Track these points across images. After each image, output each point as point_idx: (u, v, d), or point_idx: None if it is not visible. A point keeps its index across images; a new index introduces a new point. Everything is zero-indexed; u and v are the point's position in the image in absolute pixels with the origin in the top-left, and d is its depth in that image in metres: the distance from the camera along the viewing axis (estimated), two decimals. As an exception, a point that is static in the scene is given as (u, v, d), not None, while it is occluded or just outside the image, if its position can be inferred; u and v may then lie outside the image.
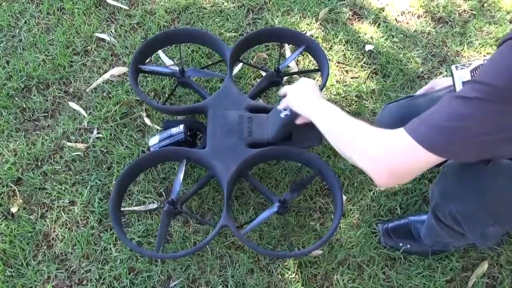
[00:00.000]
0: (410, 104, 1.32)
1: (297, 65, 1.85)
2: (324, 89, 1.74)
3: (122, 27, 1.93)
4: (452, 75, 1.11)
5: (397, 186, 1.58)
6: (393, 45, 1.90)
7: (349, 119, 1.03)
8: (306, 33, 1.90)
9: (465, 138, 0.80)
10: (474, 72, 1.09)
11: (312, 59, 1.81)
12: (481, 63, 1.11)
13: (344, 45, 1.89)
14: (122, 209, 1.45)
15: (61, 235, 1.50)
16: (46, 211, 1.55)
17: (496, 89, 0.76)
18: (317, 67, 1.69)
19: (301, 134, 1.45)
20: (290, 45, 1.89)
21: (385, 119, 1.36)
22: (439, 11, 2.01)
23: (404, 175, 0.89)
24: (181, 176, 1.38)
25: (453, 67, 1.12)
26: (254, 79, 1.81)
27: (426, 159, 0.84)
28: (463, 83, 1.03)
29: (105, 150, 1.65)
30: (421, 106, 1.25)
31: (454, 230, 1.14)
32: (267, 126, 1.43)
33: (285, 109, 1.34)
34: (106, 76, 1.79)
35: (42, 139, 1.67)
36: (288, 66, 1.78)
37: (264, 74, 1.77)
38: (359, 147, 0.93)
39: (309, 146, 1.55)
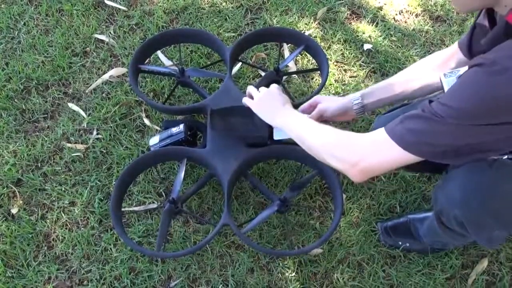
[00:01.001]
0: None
1: (296, 64, 1.85)
2: (323, 88, 1.74)
3: (121, 28, 1.93)
4: (441, 82, 1.14)
5: (396, 185, 1.59)
6: (392, 44, 1.91)
7: (318, 127, 1.11)
8: (304, 32, 1.90)
9: (431, 141, 0.91)
10: None
11: (311, 58, 1.82)
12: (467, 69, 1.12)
13: (342, 44, 1.90)
14: (122, 209, 1.45)
15: (62, 236, 1.50)
16: (46, 212, 1.55)
17: (453, 110, 0.87)
18: (316, 67, 1.70)
19: None
20: (289, 45, 1.89)
21: None
22: (437, 10, 2.01)
23: (380, 167, 0.99)
24: (181, 175, 1.38)
25: (441, 74, 1.15)
26: (253, 79, 1.81)
27: (400, 156, 0.95)
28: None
29: (104, 151, 1.65)
30: None
31: (456, 232, 1.14)
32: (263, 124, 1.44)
33: None
34: (105, 77, 1.80)
35: (42, 140, 1.67)
36: (287, 66, 1.79)
37: (263, 73, 1.77)
38: (336, 153, 1.04)
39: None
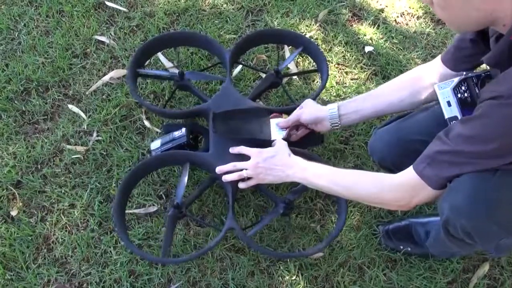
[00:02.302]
0: (401, 127, 1.32)
1: (297, 66, 1.85)
2: (324, 90, 1.74)
3: (122, 30, 1.92)
4: (436, 94, 1.15)
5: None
6: (393, 46, 1.90)
7: (346, 177, 1.18)
8: (305, 34, 1.90)
9: (460, 174, 1.00)
10: (457, 89, 1.13)
11: (313, 61, 1.81)
12: (462, 78, 1.13)
13: (343, 46, 1.89)
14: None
15: (61, 238, 1.50)
16: (46, 214, 1.54)
17: (481, 149, 0.94)
18: (316, 69, 1.69)
19: (302, 136, 1.45)
20: (290, 47, 1.88)
21: (377, 145, 1.37)
22: (438, 12, 2.01)
23: (423, 203, 1.09)
24: (185, 180, 1.37)
25: (436, 86, 1.16)
26: (254, 81, 1.81)
27: (436, 193, 1.04)
28: (449, 119, 1.13)
29: (104, 153, 1.64)
30: (410, 129, 1.28)
31: (464, 242, 1.13)
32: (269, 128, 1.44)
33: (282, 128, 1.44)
34: (106, 78, 1.79)
35: (41, 142, 1.66)
36: (288, 67, 1.78)
37: (263, 75, 1.76)
38: (377, 201, 1.14)
39: (310, 147, 1.56)
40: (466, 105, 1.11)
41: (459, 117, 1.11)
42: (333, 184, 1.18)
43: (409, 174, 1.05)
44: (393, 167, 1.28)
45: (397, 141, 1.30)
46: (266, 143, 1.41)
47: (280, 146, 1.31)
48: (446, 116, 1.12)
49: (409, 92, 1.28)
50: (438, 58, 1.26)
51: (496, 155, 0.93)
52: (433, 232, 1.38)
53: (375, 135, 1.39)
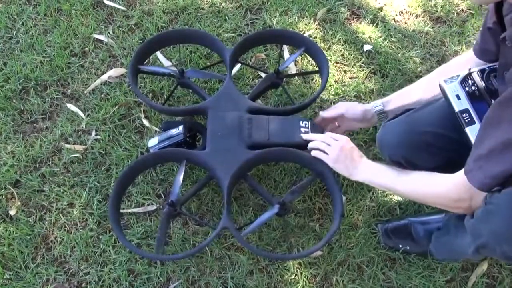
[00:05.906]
0: (410, 119, 1.30)
1: (296, 65, 1.84)
2: (323, 90, 1.73)
3: (120, 28, 1.92)
4: (442, 90, 1.14)
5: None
6: (392, 45, 1.90)
7: (409, 179, 1.19)
8: (304, 33, 1.89)
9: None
10: (464, 83, 1.13)
11: (311, 59, 1.81)
12: (467, 73, 1.12)
13: (342, 45, 1.89)
14: (121, 210, 1.44)
15: (60, 238, 1.49)
16: (45, 213, 1.54)
17: None
18: (316, 68, 1.69)
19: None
20: (289, 46, 1.88)
21: (387, 138, 1.35)
22: (437, 11, 2.01)
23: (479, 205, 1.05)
24: (180, 177, 1.38)
25: (441, 81, 1.15)
26: (253, 80, 1.80)
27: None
28: (460, 112, 1.12)
29: (103, 152, 1.64)
30: (420, 121, 1.27)
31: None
32: (268, 128, 1.43)
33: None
34: (104, 77, 1.79)
35: (40, 141, 1.66)
36: (287, 67, 1.78)
37: (263, 75, 1.76)
38: (438, 204, 1.14)
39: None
40: (475, 98, 1.11)
41: (470, 110, 1.10)
42: (397, 189, 1.22)
43: (462, 180, 1.03)
44: (404, 161, 1.28)
45: (407, 133, 1.28)
46: (261, 144, 1.41)
47: (353, 145, 1.34)
48: (457, 109, 1.12)
49: None
50: (471, 50, 1.26)
51: None
52: (439, 235, 1.36)
53: (384, 128, 1.36)
